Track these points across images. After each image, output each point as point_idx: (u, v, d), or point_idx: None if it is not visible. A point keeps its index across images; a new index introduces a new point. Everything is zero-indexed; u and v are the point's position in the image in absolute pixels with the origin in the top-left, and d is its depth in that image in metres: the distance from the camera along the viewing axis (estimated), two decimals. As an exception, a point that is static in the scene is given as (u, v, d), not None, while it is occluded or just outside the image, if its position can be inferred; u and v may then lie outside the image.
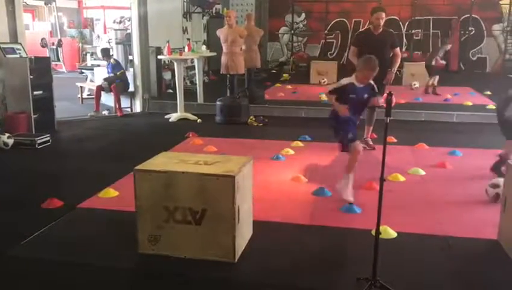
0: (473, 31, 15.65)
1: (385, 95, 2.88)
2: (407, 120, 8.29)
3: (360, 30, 6.56)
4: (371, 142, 6.51)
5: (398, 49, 6.34)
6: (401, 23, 16.24)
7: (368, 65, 4.53)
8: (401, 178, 5.17)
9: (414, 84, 11.62)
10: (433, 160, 5.87)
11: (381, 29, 6.20)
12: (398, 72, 12.85)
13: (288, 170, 5.49)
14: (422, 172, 5.42)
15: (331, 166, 5.74)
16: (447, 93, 10.61)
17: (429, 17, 16.14)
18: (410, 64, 12.87)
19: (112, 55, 9.89)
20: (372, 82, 4.67)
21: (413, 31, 15.94)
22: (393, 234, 3.78)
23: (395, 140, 6.76)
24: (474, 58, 16.17)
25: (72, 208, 4.38)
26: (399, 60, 6.34)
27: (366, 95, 4.62)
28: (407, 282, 3.10)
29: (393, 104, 2.88)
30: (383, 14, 6.14)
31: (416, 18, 15.95)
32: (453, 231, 3.89)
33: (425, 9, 15.95)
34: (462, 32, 15.90)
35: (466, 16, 15.67)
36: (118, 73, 9.35)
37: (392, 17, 16.09)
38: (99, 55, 13.07)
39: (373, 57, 4.60)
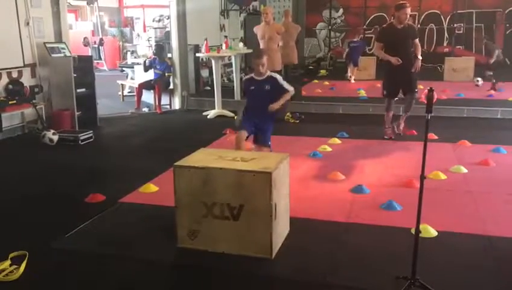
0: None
1: (426, 91, 2.82)
2: (448, 117, 8.08)
3: (383, 25, 7.10)
4: (401, 128, 6.96)
5: (417, 40, 6.66)
6: (442, 17, 15.82)
7: (254, 54, 4.78)
8: (443, 176, 5.05)
9: (478, 81, 11.13)
10: (476, 157, 5.70)
11: (403, 24, 6.50)
12: (439, 68, 12.59)
13: (326, 167, 5.45)
14: (464, 170, 5.28)
15: (369, 163, 5.66)
16: (491, 89, 10.25)
17: (472, 10, 15.64)
18: (452, 59, 12.52)
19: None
20: (274, 75, 4.72)
21: (455, 25, 15.48)
22: (434, 232, 3.70)
23: (436, 137, 6.60)
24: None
25: (114, 202, 4.50)
26: (419, 49, 6.64)
27: (267, 87, 4.66)
28: (447, 282, 3.03)
29: (434, 101, 2.82)
30: (409, 10, 6.48)
31: (458, 12, 15.48)
32: (496, 230, 3.77)
33: (468, 2, 15.45)
34: (507, 25, 15.32)
35: (512, 8, 15.12)
36: (167, 74, 9.56)
37: (433, 11, 15.70)
38: (139, 52, 13.36)
39: (259, 48, 4.76)
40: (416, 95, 6.64)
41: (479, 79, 11.10)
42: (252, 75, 4.82)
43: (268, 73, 4.74)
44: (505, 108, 8.37)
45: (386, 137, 6.82)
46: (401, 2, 6.53)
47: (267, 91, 4.64)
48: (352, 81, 11.98)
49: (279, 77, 4.74)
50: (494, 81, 10.42)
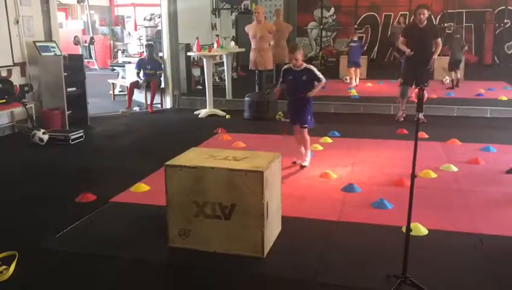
0: (509, 24, 15.20)
1: (416, 90, 2.84)
2: (439, 115, 8.14)
3: (409, 23, 8.26)
4: (421, 117, 7.17)
5: (439, 39, 7.53)
6: (433, 16, 15.90)
7: (288, 48, 5.43)
8: (433, 175, 5.08)
9: (445, 79, 11.35)
10: (466, 156, 5.75)
11: (425, 23, 7.45)
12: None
13: (317, 166, 5.47)
14: (454, 168, 5.32)
15: (360, 162, 5.68)
16: (480, 88, 10.34)
17: (462, 10, 15.75)
18: (442, 59, 12.57)
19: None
20: (310, 67, 5.28)
21: (445, 25, 15.59)
22: (425, 231, 3.72)
23: (427, 136, 6.65)
24: (510, 52, 15.71)
25: (104, 202, 4.48)
26: (439, 49, 7.54)
27: (304, 77, 5.24)
28: (438, 280, 3.05)
29: (425, 99, 2.84)
30: (425, 11, 7.38)
31: (449, 11, 15.57)
32: (486, 228, 3.80)
33: (458, 2, 15.56)
34: (496, 25, 15.46)
35: (501, 8, 15.23)
36: (158, 72, 9.53)
37: (424, 10, 15.78)
38: (130, 51, 13.31)
39: (293, 43, 5.95)
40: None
41: (447, 78, 11.27)
42: (291, 65, 5.32)
43: (305, 65, 5.29)
44: (494, 107, 8.44)
45: (396, 119, 7.86)
46: (419, 4, 7.62)
47: (303, 81, 5.23)
48: (353, 83, 11.69)
49: (315, 69, 5.29)
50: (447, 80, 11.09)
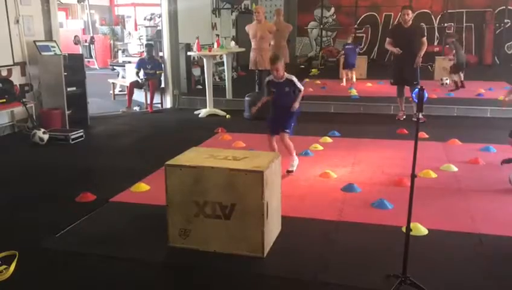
0: (509, 24, 15.19)
1: (416, 90, 2.84)
2: (439, 115, 8.14)
3: (394, 24, 8.30)
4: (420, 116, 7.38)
5: (424, 38, 7.65)
6: (433, 16, 15.89)
7: (270, 59, 5.25)
8: (433, 175, 5.09)
9: (446, 80, 11.27)
10: (466, 156, 5.75)
11: (410, 23, 7.64)
12: (429, 67, 12.67)
13: (317, 166, 5.47)
14: (454, 168, 5.32)
15: (360, 162, 5.69)
16: (480, 88, 10.33)
17: (462, 10, 15.74)
18: (442, 59, 12.58)
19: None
20: (290, 77, 5.08)
21: (445, 25, 15.57)
22: (425, 231, 3.73)
23: (427, 136, 6.65)
24: (510, 52, 15.70)
25: (104, 202, 4.48)
26: (424, 47, 7.62)
27: (287, 89, 5.10)
28: (438, 279, 3.06)
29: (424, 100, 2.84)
30: (409, 11, 7.62)
31: (449, 11, 15.56)
32: (486, 228, 3.81)
33: (458, 2, 15.54)
34: (497, 25, 15.45)
35: (501, 7, 15.22)
36: (158, 72, 9.53)
37: (424, 10, 15.79)
38: (131, 51, 13.31)
39: (274, 53, 6.17)
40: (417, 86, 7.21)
41: (447, 79, 11.14)
42: (272, 77, 5.17)
43: (286, 76, 5.11)
44: (494, 107, 8.43)
45: (396, 118, 7.98)
46: (404, 5, 7.89)
47: (286, 92, 5.12)
48: (344, 83, 11.60)
49: (295, 79, 5.12)
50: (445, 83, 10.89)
